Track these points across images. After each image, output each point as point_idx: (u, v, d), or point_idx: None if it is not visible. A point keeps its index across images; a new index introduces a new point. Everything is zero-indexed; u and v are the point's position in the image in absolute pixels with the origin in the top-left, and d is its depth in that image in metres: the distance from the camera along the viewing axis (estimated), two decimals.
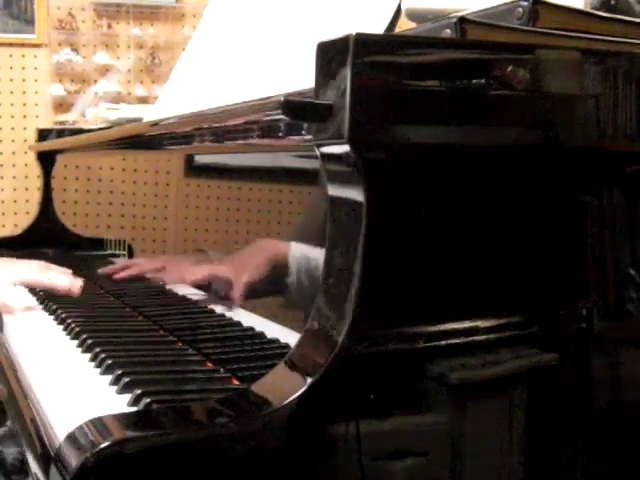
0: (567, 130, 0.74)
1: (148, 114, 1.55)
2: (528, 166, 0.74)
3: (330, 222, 0.69)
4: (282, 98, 0.67)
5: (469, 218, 0.71)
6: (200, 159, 1.24)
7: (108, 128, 1.99)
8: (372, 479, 0.66)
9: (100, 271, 1.47)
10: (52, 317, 1.19)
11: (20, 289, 1.17)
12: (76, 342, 1.01)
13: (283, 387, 0.65)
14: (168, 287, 1.27)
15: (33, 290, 1.41)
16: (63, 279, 1.21)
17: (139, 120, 1.62)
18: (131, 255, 1.59)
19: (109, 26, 4.12)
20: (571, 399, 0.75)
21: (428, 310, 0.69)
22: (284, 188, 0.99)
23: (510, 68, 0.69)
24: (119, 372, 0.82)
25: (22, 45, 3.95)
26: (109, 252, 1.74)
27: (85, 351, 0.96)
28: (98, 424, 0.63)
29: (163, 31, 4.19)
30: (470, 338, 0.69)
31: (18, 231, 1.98)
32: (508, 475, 0.74)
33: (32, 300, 1.35)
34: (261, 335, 0.96)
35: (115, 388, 0.81)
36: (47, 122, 3.85)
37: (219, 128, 0.95)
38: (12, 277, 1.15)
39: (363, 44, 0.64)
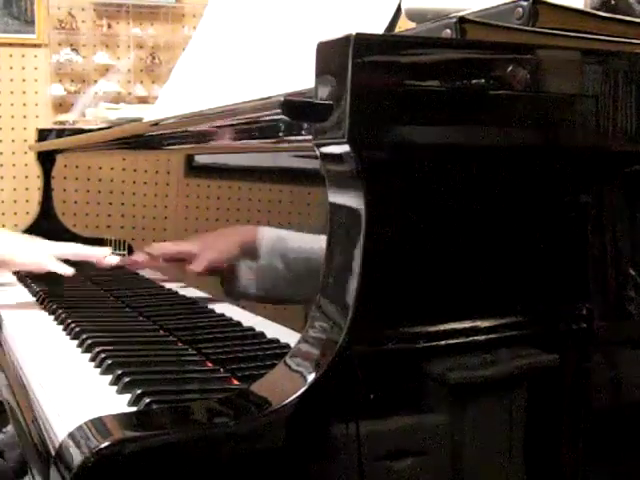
0: (567, 130, 0.74)
1: (148, 114, 1.55)
2: (528, 167, 0.73)
3: (330, 222, 0.69)
4: (282, 98, 0.67)
5: (469, 218, 0.71)
6: (200, 159, 1.24)
7: (108, 128, 1.99)
8: (372, 479, 0.66)
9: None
10: (52, 317, 1.19)
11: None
12: (76, 342, 1.01)
13: (283, 387, 0.65)
14: (168, 287, 1.27)
15: (33, 290, 1.41)
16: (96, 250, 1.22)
17: (139, 120, 1.62)
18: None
19: (109, 26, 4.12)
20: (571, 399, 0.75)
21: (428, 310, 0.69)
22: (284, 188, 0.99)
23: (510, 68, 0.69)
24: (119, 372, 0.82)
25: (22, 45, 3.96)
26: None
27: (85, 351, 0.96)
28: (98, 424, 0.63)
29: (163, 31, 4.19)
30: (470, 338, 0.69)
31: (18, 231, 1.98)
32: (508, 475, 0.74)
33: (32, 300, 1.35)
34: (261, 335, 0.96)
35: (115, 388, 0.81)
36: (47, 122, 3.86)
37: (219, 128, 0.95)
38: (51, 250, 1.18)
39: (363, 44, 0.64)
